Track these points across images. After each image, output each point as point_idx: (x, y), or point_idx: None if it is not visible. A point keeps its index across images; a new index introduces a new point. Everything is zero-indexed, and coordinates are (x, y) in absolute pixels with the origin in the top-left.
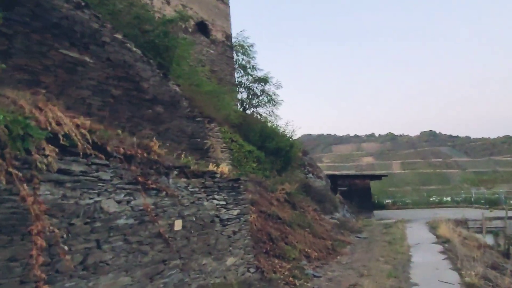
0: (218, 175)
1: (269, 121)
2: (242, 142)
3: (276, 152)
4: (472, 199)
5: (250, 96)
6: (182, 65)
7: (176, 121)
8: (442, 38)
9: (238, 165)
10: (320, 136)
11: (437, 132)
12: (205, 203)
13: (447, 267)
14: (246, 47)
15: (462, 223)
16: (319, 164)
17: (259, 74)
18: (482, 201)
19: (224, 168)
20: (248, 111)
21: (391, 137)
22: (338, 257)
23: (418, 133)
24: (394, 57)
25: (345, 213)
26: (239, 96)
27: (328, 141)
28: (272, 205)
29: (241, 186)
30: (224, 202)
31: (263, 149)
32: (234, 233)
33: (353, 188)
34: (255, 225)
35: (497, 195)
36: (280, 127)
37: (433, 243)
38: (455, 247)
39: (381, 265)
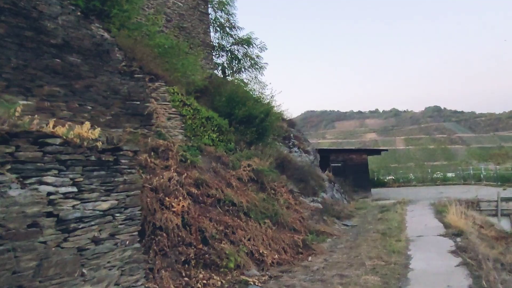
0: (59, 141)
1: (247, 87)
2: (198, 107)
3: (247, 120)
4: (482, 176)
5: (230, 60)
6: (131, 14)
7: (104, 76)
8: (448, 12)
9: (192, 136)
10: (323, 113)
11: (442, 107)
12: (13, 192)
13: (465, 283)
14: (225, 1)
15: (473, 204)
16: (321, 141)
17: (241, 34)
18: (491, 178)
19: (85, 129)
20: (229, 78)
21: (395, 113)
22: (310, 258)
23: (423, 109)
24: (399, 32)
25: (335, 194)
26: (218, 60)
27: (331, 118)
28: (229, 186)
29: (123, 161)
30: (74, 189)
31: (231, 118)
32: (98, 241)
33: (349, 164)
34: (185, 217)
35: (511, 171)
36: (256, 92)
37: (440, 235)
38: (473, 244)
39: (365, 275)
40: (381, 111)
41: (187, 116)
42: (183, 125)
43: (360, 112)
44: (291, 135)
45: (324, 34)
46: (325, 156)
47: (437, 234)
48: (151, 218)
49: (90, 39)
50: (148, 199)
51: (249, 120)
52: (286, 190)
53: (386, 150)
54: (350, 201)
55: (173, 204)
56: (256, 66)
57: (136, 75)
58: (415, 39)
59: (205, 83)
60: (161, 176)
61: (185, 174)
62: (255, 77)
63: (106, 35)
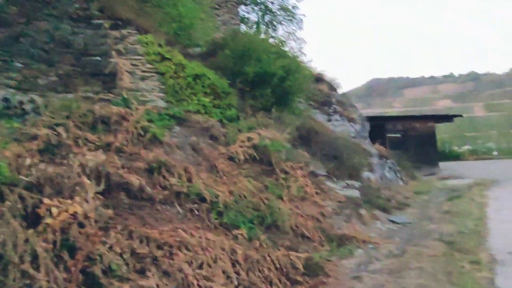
0: None
1: (284, 46)
2: (182, 61)
3: (260, 80)
4: None
5: (263, 14)
6: None
7: (44, 22)
8: None
9: (176, 100)
10: (390, 80)
11: None
12: None
13: None
14: None
15: None
16: (387, 110)
17: None
18: None
19: None
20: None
21: (473, 76)
22: None
23: (507, 70)
24: None
25: (386, 173)
26: (246, 15)
27: (399, 85)
28: (211, 171)
29: None
30: None
31: (241, 78)
32: None
33: (410, 134)
34: (71, 232)
35: None
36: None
37: None
38: None
39: None
40: (456, 75)
41: (167, 74)
42: (162, 86)
43: (432, 77)
44: (333, 100)
45: None
46: (380, 126)
47: None
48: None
49: None
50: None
51: (264, 79)
52: (305, 172)
53: (461, 116)
54: (408, 182)
55: (52, 210)
56: (290, 17)
57: (94, 21)
58: None
59: (219, 42)
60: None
61: (137, 154)
62: (292, 33)
63: None
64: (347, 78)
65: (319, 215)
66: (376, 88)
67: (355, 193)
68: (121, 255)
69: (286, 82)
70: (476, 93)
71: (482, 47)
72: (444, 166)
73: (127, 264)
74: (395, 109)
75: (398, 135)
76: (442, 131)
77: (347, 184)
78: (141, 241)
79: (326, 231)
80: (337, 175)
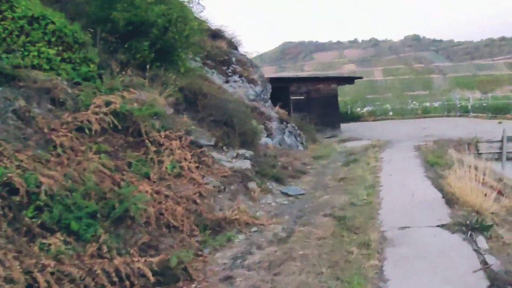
0: None
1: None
2: None
3: (136, 30)
4: (469, 106)
5: None
6: None
7: None
8: None
9: (2, 52)
10: (301, 44)
11: (421, 36)
12: None
13: None
14: None
15: (470, 146)
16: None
17: None
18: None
19: None
20: None
21: (374, 42)
22: None
23: (402, 38)
24: None
25: (286, 138)
26: None
27: (310, 49)
28: (48, 145)
29: None
30: None
31: (108, 25)
32: None
33: (314, 96)
34: None
35: (508, 101)
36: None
37: (443, 225)
38: None
39: None
40: (360, 41)
41: None
42: None
43: (339, 42)
44: (233, 59)
45: None
46: (284, 88)
47: (436, 224)
48: None
49: None
50: None
51: (140, 29)
52: (185, 142)
53: (360, 78)
54: (308, 146)
55: None
56: None
57: None
58: None
59: None
60: None
61: None
62: None
63: None
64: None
65: (197, 195)
66: (289, 52)
67: (246, 164)
68: None
69: (168, 34)
70: (376, 58)
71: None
72: (346, 127)
73: None
74: (306, 72)
75: (302, 97)
76: (345, 93)
77: (238, 154)
78: None
79: (202, 216)
80: (227, 143)
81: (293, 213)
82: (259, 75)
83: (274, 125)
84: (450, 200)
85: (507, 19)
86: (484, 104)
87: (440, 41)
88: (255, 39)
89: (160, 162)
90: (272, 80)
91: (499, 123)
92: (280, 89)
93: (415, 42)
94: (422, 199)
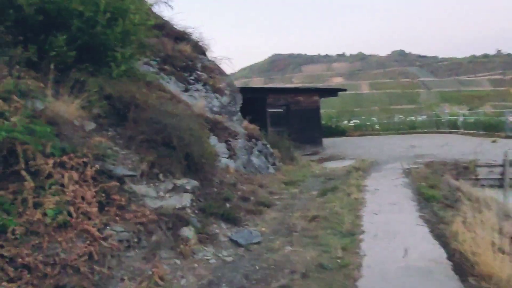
0: None
1: None
2: None
3: (50, 22)
4: (459, 123)
5: None
6: None
7: None
8: None
9: None
10: (290, 56)
11: (407, 51)
12: None
13: None
14: None
15: (466, 171)
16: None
17: None
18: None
19: None
20: None
21: (361, 56)
22: None
23: (389, 53)
24: None
25: (253, 159)
26: None
27: (299, 61)
28: None
29: None
30: None
31: (8, 14)
32: None
33: (294, 109)
34: None
35: (501, 118)
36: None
37: None
38: None
39: None
40: (348, 55)
41: None
42: None
43: (327, 55)
44: (198, 65)
45: None
46: (260, 99)
47: None
48: None
49: None
50: None
51: (57, 21)
52: (89, 173)
53: (344, 90)
54: (282, 167)
55: None
56: None
57: None
58: None
59: None
60: None
61: None
62: None
63: None
64: (251, 52)
65: (83, 260)
66: (278, 64)
67: (184, 200)
68: None
69: (97, 27)
70: (363, 72)
71: (370, 29)
72: (331, 142)
73: None
74: (294, 84)
75: (281, 110)
76: (331, 106)
77: (175, 185)
78: None
79: None
80: (164, 171)
81: (234, 282)
82: (228, 84)
83: (239, 143)
84: (461, 266)
85: (490, 37)
86: (472, 120)
87: (425, 57)
88: (244, 50)
89: (38, 205)
90: (247, 90)
91: (493, 141)
92: (256, 101)
93: (401, 57)
94: (419, 262)
